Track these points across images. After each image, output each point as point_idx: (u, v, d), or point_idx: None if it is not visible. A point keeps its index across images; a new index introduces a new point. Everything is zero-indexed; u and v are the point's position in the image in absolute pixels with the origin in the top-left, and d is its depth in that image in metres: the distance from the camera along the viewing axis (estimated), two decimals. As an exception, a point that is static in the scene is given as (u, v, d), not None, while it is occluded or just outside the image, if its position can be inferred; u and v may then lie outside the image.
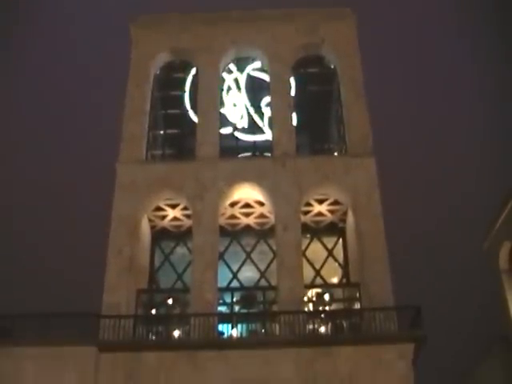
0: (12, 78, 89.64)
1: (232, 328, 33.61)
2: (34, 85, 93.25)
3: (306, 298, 35.07)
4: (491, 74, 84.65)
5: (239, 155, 40.41)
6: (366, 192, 36.03)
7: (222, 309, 35.85)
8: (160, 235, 39.71)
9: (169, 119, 43.27)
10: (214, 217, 35.96)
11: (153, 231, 39.33)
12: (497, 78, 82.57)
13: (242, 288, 37.56)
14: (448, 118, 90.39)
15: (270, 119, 40.14)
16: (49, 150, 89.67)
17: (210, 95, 40.15)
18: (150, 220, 38.63)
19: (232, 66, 42.64)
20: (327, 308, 35.65)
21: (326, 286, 37.36)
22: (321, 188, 37.07)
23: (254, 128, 41.01)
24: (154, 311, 36.00)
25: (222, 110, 40.85)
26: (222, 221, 37.89)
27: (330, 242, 39.31)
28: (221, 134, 39.51)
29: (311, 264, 37.88)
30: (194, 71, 42.34)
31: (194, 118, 40.69)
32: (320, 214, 38.75)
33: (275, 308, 34.39)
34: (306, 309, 34.72)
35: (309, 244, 38.78)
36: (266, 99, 41.16)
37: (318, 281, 37.75)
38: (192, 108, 41.51)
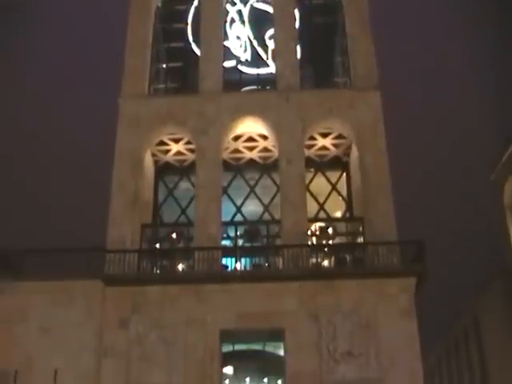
0: (12, 14, 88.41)
1: (236, 262, 33.77)
2: (33, 22, 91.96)
3: (309, 232, 35.10)
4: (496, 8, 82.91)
5: (243, 89, 39.87)
6: (371, 126, 35.68)
7: (226, 243, 35.92)
8: (163, 170, 39.59)
9: (171, 52, 42.39)
10: (218, 151, 35.83)
11: (156, 166, 39.23)
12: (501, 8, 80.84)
13: (245, 222, 37.54)
14: (453, 52, 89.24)
15: (274, 52, 39.48)
16: (51, 85, 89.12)
17: (212, 27, 39.42)
18: (153, 155, 38.48)
19: (235, -3, 41.73)
20: (330, 242, 35.78)
21: (330, 220, 37.41)
22: (325, 122, 36.68)
23: (257, 61, 40.35)
24: (158, 245, 36.17)
25: (226, 43, 40.17)
26: (226, 155, 37.73)
27: (333, 176, 39.08)
28: (224, 68, 38.96)
29: (315, 198, 37.77)
30: (196, 2, 41.52)
31: (197, 51, 40.05)
32: (324, 147, 38.50)
33: (279, 242, 34.55)
34: (310, 243, 34.87)
35: (312, 178, 38.53)
36: (270, 31, 40.35)
37: (322, 215, 37.71)
38: (194, 41, 40.80)
